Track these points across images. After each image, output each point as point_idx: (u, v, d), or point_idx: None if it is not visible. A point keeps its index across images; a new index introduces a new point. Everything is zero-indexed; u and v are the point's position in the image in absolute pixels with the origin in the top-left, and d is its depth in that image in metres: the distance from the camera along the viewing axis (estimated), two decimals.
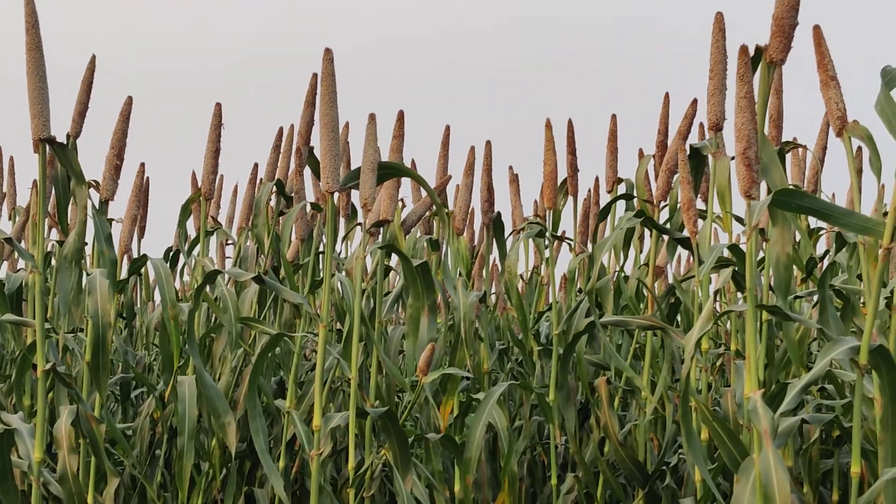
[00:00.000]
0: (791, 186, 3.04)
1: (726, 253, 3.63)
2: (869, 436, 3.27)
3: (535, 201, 6.04)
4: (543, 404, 4.25)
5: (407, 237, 4.46)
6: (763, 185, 2.98)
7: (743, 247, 3.48)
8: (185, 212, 4.38)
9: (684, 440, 3.21)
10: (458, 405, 4.38)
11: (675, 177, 4.22)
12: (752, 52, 2.93)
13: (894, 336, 3.37)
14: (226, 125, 4.15)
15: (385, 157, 4.00)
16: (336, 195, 5.05)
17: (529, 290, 5.84)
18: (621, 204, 4.65)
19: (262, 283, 3.60)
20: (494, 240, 4.70)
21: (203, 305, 4.54)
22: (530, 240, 4.79)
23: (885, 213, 2.81)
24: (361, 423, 3.96)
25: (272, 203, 4.57)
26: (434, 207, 4.74)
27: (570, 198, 5.03)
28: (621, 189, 4.75)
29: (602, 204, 4.81)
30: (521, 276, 5.61)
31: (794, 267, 4.31)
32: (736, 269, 3.51)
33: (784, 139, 4.58)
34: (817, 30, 3.14)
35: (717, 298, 5.06)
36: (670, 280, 4.63)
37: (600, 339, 4.71)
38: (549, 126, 4.44)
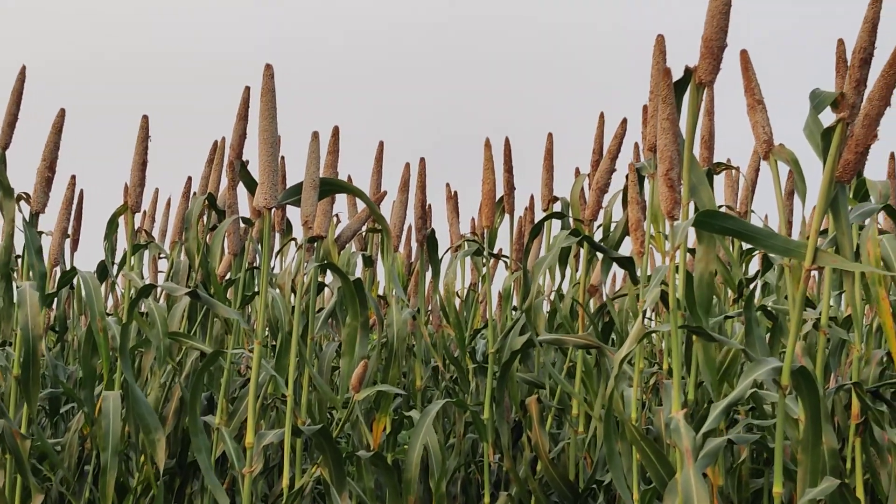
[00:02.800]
0: (717, 207, 3.06)
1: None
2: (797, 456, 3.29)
3: (473, 219, 6.06)
4: (478, 422, 4.25)
5: (341, 253, 4.44)
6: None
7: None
8: (112, 225, 4.33)
9: (607, 458, 3.22)
10: (390, 423, 4.36)
11: (606, 196, 4.25)
12: (682, 74, 2.96)
13: (822, 357, 3.41)
14: (152, 138, 4.12)
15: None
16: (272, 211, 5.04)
17: (466, 308, 5.84)
18: (558, 222, 4.67)
19: (198, 297, 3.57)
20: (428, 257, 4.70)
21: None
22: (467, 257, 4.79)
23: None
24: (293, 440, 3.93)
25: (205, 217, 4.54)
26: (369, 223, 4.73)
27: (507, 215, 5.05)
28: (557, 207, 4.76)
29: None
30: (458, 294, 5.61)
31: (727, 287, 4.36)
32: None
33: (722, 159, 4.64)
34: (744, 54, 3.18)
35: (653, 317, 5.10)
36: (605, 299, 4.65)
37: (534, 358, 4.72)
38: (488, 146, 4.45)
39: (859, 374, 3.64)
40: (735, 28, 2.95)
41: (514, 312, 5.34)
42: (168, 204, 5.85)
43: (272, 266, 4.84)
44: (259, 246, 4.27)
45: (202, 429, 3.61)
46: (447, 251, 5.03)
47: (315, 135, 3.40)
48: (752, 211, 4.67)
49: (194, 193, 4.71)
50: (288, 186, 3.51)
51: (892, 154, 4.23)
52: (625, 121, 4.18)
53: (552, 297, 4.80)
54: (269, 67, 3.31)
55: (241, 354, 3.99)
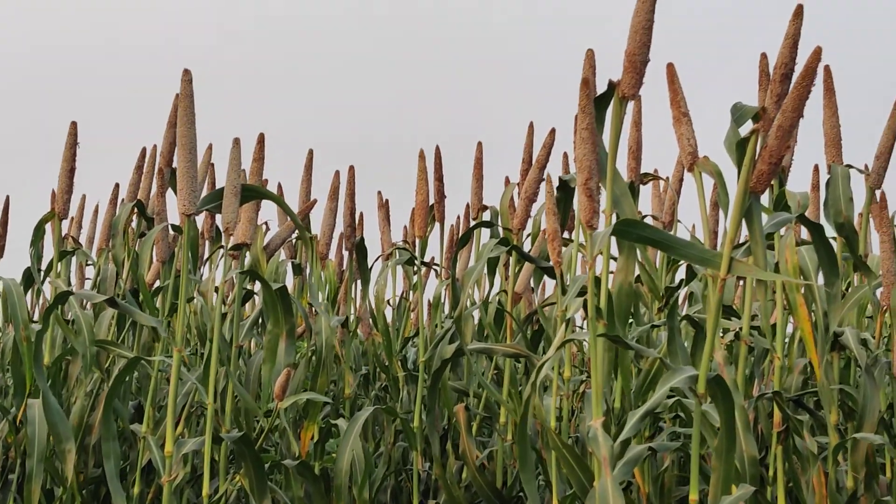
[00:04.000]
0: (639, 218, 3.09)
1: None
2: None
3: (405, 227, 6.07)
4: (407, 430, 4.25)
5: (270, 261, 4.43)
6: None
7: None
8: (39, 231, 4.28)
9: (519, 463, 3.24)
10: (318, 431, 4.36)
11: (535, 205, 4.27)
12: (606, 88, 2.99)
13: (742, 365, 3.45)
14: (81, 143, 4.08)
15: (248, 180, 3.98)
16: (202, 217, 5.02)
17: (398, 316, 5.85)
18: (488, 230, 4.69)
19: (116, 306, 3.55)
20: (358, 265, 4.70)
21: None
22: (407, 265, 4.80)
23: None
24: (218, 448, 3.92)
25: (134, 224, 4.51)
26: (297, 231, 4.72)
27: (438, 224, 5.06)
28: (487, 216, 4.79)
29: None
30: (388, 302, 5.62)
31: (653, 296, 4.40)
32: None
33: (654, 169, 4.68)
34: (671, 67, 3.21)
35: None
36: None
37: (464, 366, 4.74)
38: (422, 156, 4.46)
39: (781, 383, 3.68)
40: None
41: (445, 321, 5.35)
42: (96, 210, 5.80)
43: (202, 274, 4.83)
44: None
45: (114, 435, 3.59)
46: (378, 259, 5.04)
47: (236, 141, 3.40)
48: (679, 220, 4.72)
49: (122, 200, 4.68)
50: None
51: (815, 166, 4.30)
52: (553, 131, 4.20)
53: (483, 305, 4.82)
54: (186, 73, 3.30)
55: (165, 362, 3.96)
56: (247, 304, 5.30)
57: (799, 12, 2.78)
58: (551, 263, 3.97)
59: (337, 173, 4.71)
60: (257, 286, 4.86)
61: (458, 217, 5.81)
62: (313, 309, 4.84)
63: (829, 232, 3.57)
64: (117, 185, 4.98)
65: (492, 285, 4.84)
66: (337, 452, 3.90)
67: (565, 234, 3.98)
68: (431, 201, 4.89)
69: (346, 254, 5.40)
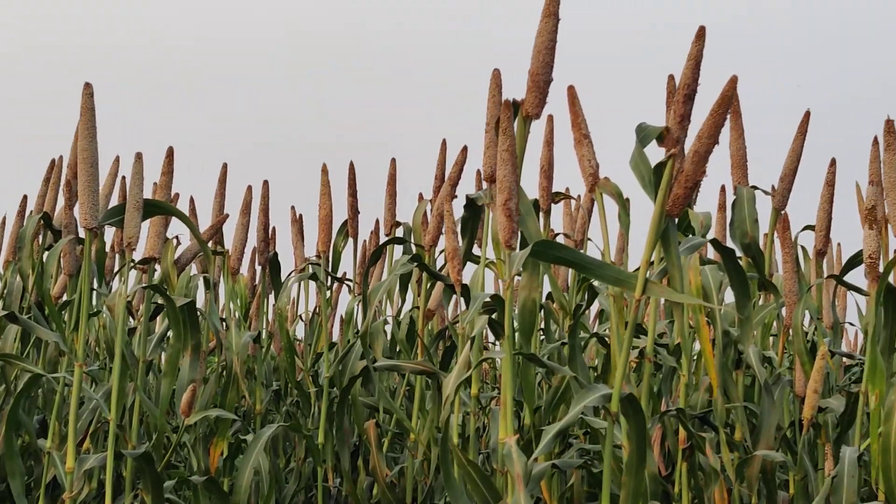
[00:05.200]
0: (545, 237, 3.12)
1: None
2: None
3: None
4: (312, 446, 4.24)
5: (181, 275, 4.39)
6: None
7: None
8: None
9: (445, 482, 3.24)
10: (227, 447, 4.33)
11: None
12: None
13: (647, 383, 3.49)
14: None
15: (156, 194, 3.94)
16: (113, 230, 4.96)
17: (311, 331, 5.82)
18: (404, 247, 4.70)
19: (15, 320, 3.49)
20: (271, 280, 4.68)
21: None
22: (312, 280, 4.78)
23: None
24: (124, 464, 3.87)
25: (41, 237, 4.45)
26: (212, 246, 4.69)
27: (351, 239, 5.06)
28: (400, 233, 4.79)
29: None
30: (301, 317, 5.59)
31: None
32: (494, 315, 3.57)
33: (567, 187, 4.72)
34: (571, 90, 3.24)
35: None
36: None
37: (375, 381, 4.73)
38: (325, 171, 4.45)
39: (686, 400, 3.73)
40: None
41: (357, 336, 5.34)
42: (3, 223, 5.71)
43: (110, 286, 4.78)
44: (95, 267, 4.20)
45: (17, 453, 3.53)
46: (291, 273, 5.01)
47: (138, 156, 3.37)
48: (589, 239, 4.76)
49: (30, 212, 4.61)
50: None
51: (722, 187, 4.36)
52: (465, 148, 4.22)
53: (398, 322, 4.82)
54: (87, 86, 3.27)
55: (66, 377, 3.91)
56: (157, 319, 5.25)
57: (701, 34, 2.82)
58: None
59: (249, 188, 4.69)
60: None
61: (371, 233, 5.81)
62: (225, 324, 4.81)
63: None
64: (25, 197, 4.90)
65: (404, 301, 4.85)
66: (238, 469, 3.88)
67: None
68: (345, 217, 4.90)
69: (259, 269, 5.38)
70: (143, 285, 3.69)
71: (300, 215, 5.31)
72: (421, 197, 5.00)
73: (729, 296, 3.72)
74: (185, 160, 4.15)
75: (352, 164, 4.87)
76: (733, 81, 2.63)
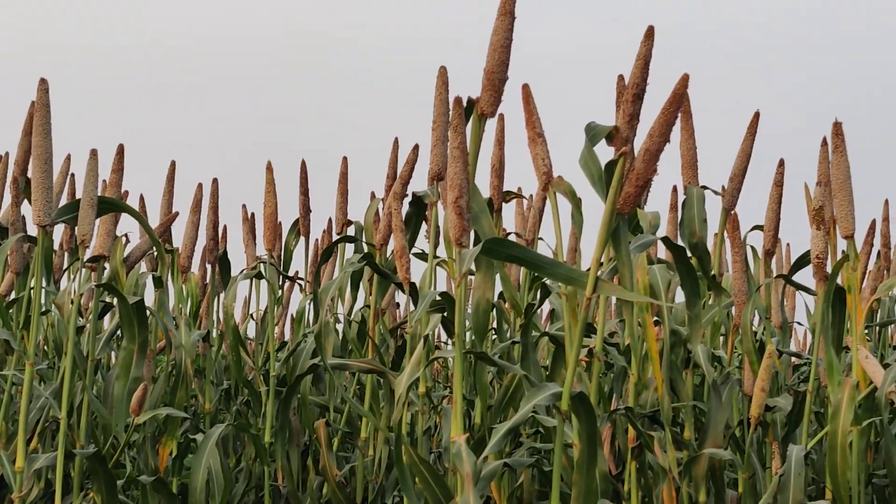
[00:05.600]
0: (499, 235, 3.12)
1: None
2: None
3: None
4: (259, 446, 4.22)
5: (130, 273, 4.37)
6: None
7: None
8: None
9: (400, 481, 3.24)
10: (176, 446, 4.30)
11: None
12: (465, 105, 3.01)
13: (596, 382, 3.51)
14: None
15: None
16: (61, 228, 4.91)
17: (263, 329, 5.80)
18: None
19: None
20: (221, 278, 4.66)
21: None
22: (259, 279, 4.76)
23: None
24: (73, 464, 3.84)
25: None
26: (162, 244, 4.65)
27: (303, 238, 5.04)
28: (352, 231, 4.78)
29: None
30: (252, 316, 5.57)
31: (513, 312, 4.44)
32: (445, 314, 3.57)
33: (520, 186, 4.73)
34: (526, 88, 3.25)
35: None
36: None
37: (326, 381, 4.72)
38: (269, 168, 4.44)
39: (636, 399, 3.75)
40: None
41: (309, 335, 5.33)
42: None
43: (63, 286, 4.73)
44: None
45: None
46: (242, 272, 4.99)
47: (93, 153, 3.35)
48: (541, 238, 4.78)
49: None
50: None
51: (674, 187, 4.39)
52: (416, 147, 4.22)
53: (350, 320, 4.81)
54: (43, 82, 3.24)
55: (14, 375, 3.87)
56: (106, 317, 5.20)
57: (650, 34, 2.83)
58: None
59: (200, 185, 4.66)
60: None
61: (323, 231, 5.80)
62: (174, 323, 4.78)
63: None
64: None
65: (355, 300, 4.84)
66: (192, 469, 3.85)
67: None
68: (298, 215, 4.89)
69: (209, 267, 5.35)
70: (95, 283, 3.66)
71: (251, 214, 5.29)
72: (373, 195, 4.99)
73: (680, 295, 3.75)
74: (135, 159, 4.12)
75: (303, 163, 4.86)
76: (684, 80, 2.64)
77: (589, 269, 2.77)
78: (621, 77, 3.55)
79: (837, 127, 3.50)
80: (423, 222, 3.99)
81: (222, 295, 4.86)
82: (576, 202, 3.10)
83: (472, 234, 2.99)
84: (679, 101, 2.62)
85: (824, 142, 3.57)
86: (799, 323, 6.23)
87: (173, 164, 4.71)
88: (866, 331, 5.42)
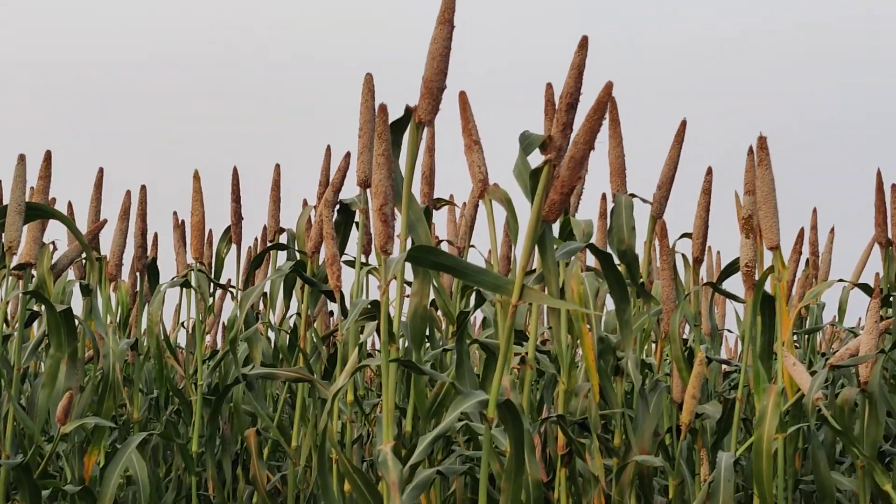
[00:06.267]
0: (433, 243, 3.12)
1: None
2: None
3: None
4: (185, 455, 4.19)
5: (57, 281, 4.31)
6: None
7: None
8: None
9: (322, 491, 3.23)
10: (105, 456, 4.25)
11: None
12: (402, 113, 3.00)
13: (528, 389, 3.52)
14: None
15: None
16: None
17: (195, 338, 5.75)
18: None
19: None
20: (150, 286, 4.62)
21: None
22: (185, 287, 4.72)
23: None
24: None
25: None
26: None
27: (234, 245, 5.01)
28: (284, 239, 4.76)
29: None
30: (183, 324, 5.52)
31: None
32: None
33: (451, 195, 4.73)
34: (463, 95, 3.25)
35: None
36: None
37: (258, 389, 4.68)
38: (196, 177, 4.41)
39: (566, 406, 3.76)
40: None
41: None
42: None
43: None
44: None
45: None
46: (172, 279, 4.95)
47: (21, 158, 3.31)
48: (472, 246, 4.78)
49: None
50: None
51: (602, 195, 4.42)
52: (348, 154, 4.21)
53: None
54: None
55: None
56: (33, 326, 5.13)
57: (584, 44, 2.84)
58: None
59: (128, 193, 4.62)
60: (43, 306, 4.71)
61: (256, 239, 5.77)
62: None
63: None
64: None
65: (288, 308, 4.82)
66: (104, 477, 3.80)
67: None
68: (229, 222, 4.85)
69: (139, 275, 5.30)
70: (22, 291, 3.61)
71: (182, 221, 5.24)
72: (305, 203, 4.97)
73: (611, 303, 3.77)
74: (63, 166, 4.07)
75: (235, 170, 4.82)
76: (608, 88, 2.65)
77: (515, 277, 2.78)
78: (549, 85, 3.56)
79: (762, 141, 3.54)
80: (356, 229, 3.98)
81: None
82: (511, 209, 3.11)
83: (408, 241, 2.99)
84: (603, 109, 2.63)
85: (750, 150, 3.61)
86: (729, 330, 6.30)
87: (101, 171, 4.65)
88: (795, 338, 5.49)
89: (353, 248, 4.04)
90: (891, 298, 4.62)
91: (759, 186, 3.53)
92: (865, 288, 4.36)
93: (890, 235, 4.81)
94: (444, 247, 4.86)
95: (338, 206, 3.78)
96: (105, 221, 4.59)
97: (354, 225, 4.03)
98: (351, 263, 4.57)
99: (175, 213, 5.22)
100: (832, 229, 5.65)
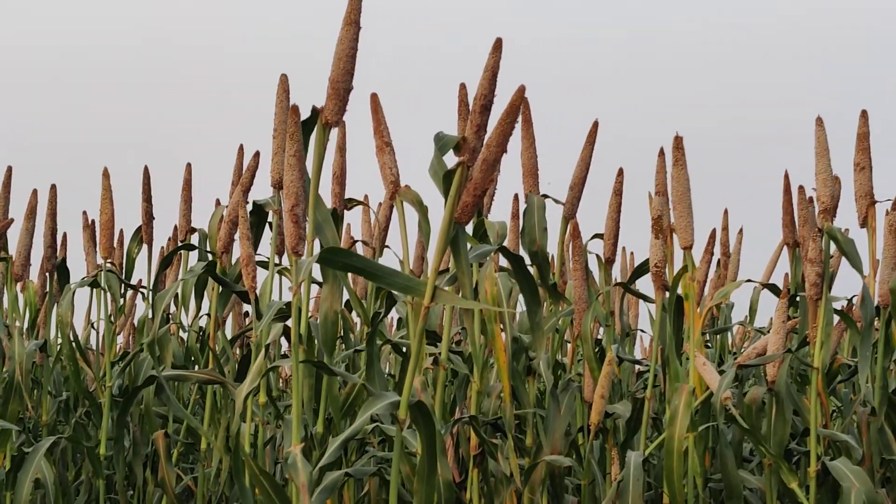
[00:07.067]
0: (342, 245, 3.10)
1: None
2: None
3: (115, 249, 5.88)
4: (93, 458, 4.13)
5: None
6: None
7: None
8: None
9: (239, 494, 3.20)
10: (11, 459, 4.17)
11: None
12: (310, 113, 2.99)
13: (441, 390, 3.52)
14: None
15: None
16: None
17: (107, 339, 5.66)
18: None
19: None
20: (59, 287, 4.54)
21: None
22: (94, 288, 4.65)
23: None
24: None
25: None
26: None
27: (146, 245, 4.94)
28: (195, 239, 4.70)
29: None
30: (94, 325, 5.44)
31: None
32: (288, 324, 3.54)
33: (366, 195, 4.71)
34: (374, 97, 3.25)
35: None
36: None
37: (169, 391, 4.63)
38: (106, 175, 4.34)
39: (478, 407, 3.77)
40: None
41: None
42: None
43: None
44: None
45: None
46: (82, 279, 4.87)
47: None
48: (388, 247, 4.76)
49: None
50: None
51: (515, 196, 4.42)
52: (257, 153, 4.18)
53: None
54: None
55: None
56: None
57: (498, 46, 2.84)
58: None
59: (35, 192, 4.54)
60: None
61: (169, 239, 5.70)
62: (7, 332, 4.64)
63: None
64: None
65: (198, 308, 4.76)
66: (17, 483, 3.74)
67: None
68: (140, 222, 4.78)
69: (48, 275, 5.21)
70: None
71: (92, 221, 5.16)
72: (217, 203, 4.92)
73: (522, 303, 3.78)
74: None
75: (146, 169, 4.77)
76: (521, 91, 2.66)
77: (427, 279, 2.78)
78: (463, 86, 3.57)
79: (678, 141, 3.57)
80: (269, 229, 3.95)
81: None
82: (423, 211, 3.11)
83: (315, 242, 2.97)
84: (515, 112, 2.64)
85: (661, 152, 3.64)
86: (642, 330, 6.35)
87: (9, 169, 4.57)
88: (707, 337, 5.55)
89: (264, 248, 4.02)
90: (797, 298, 4.69)
91: (674, 186, 3.57)
92: (773, 288, 4.42)
93: (798, 237, 4.88)
94: (359, 247, 4.84)
95: (250, 207, 3.74)
96: (11, 220, 4.51)
97: (268, 225, 4.00)
98: (263, 264, 4.54)
99: (85, 213, 5.14)
100: (741, 230, 5.74)
